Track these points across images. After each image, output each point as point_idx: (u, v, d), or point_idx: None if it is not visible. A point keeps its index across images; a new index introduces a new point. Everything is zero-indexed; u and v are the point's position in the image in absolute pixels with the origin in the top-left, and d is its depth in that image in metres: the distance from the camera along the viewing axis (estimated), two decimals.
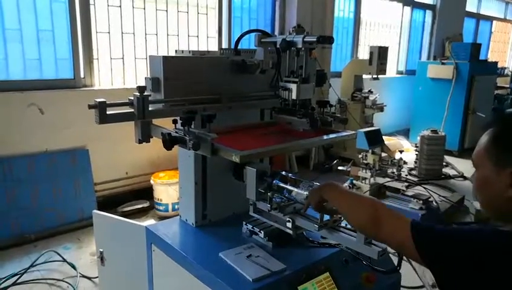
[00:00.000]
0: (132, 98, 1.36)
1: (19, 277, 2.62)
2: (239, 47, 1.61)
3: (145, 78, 1.47)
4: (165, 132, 1.32)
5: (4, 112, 3.12)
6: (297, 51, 1.45)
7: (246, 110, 1.67)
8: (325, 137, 1.52)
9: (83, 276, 2.67)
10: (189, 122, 1.30)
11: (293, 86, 1.44)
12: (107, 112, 1.34)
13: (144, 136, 1.41)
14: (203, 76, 1.52)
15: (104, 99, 1.32)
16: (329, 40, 1.42)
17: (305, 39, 1.39)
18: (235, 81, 1.59)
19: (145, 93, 1.36)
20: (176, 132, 1.32)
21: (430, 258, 0.98)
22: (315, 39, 1.37)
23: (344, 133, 1.57)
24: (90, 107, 1.32)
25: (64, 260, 2.82)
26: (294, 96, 1.45)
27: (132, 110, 1.38)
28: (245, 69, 1.55)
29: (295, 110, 1.50)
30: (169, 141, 1.30)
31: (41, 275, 2.69)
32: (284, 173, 1.41)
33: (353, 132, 1.62)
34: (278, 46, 1.46)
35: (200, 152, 1.31)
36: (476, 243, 0.96)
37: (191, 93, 1.48)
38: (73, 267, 2.75)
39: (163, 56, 1.42)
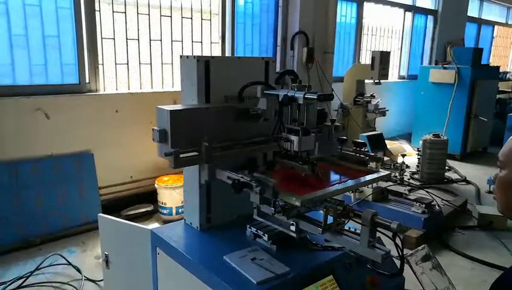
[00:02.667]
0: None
1: (24, 280, 2.64)
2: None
3: (153, 129, 1.50)
4: (235, 178, 1.40)
5: (10, 117, 3.16)
6: (298, 105, 1.49)
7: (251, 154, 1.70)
8: (368, 177, 1.56)
9: (88, 279, 2.69)
10: (253, 169, 1.43)
11: (295, 139, 1.48)
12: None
13: (211, 177, 1.50)
14: (208, 125, 1.54)
15: (178, 149, 1.42)
16: (330, 97, 1.46)
17: (305, 96, 1.43)
18: (240, 128, 1.62)
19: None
20: (242, 177, 1.39)
21: None
22: (315, 97, 1.41)
23: (382, 174, 1.61)
24: (166, 155, 1.40)
25: (69, 263, 2.83)
26: (295, 148, 1.48)
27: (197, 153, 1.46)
28: (249, 117, 1.60)
29: (296, 157, 1.54)
30: (238, 186, 1.37)
31: (47, 278, 2.71)
32: None
33: (387, 172, 1.66)
34: (279, 100, 1.50)
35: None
36: None
37: (196, 143, 1.50)
38: (78, 270, 2.77)
39: (170, 110, 1.44)
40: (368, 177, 1.55)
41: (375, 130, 5.13)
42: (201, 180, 1.50)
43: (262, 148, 1.72)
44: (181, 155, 1.44)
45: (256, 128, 1.66)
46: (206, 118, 1.55)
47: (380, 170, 1.65)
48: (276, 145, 1.65)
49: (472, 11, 8.99)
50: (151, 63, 4.02)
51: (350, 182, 1.51)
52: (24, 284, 2.62)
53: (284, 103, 1.48)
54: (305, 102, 1.43)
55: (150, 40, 3.99)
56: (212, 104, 1.63)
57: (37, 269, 2.75)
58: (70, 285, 2.64)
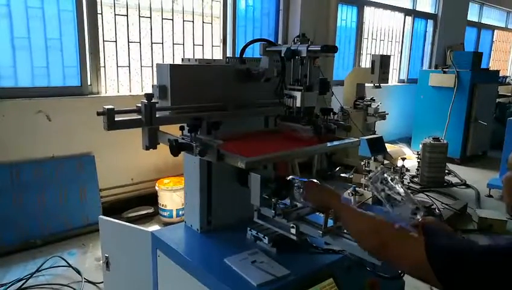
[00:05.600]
0: (140, 105, 1.40)
1: (25, 282, 2.64)
2: (244, 56, 1.66)
3: (153, 85, 1.50)
4: (172, 139, 1.35)
5: (12, 119, 3.17)
6: (301, 60, 1.48)
7: (251, 117, 1.71)
8: (328, 144, 1.54)
9: (88, 281, 2.69)
10: (195, 129, 1.34)
11: (298, 94, 1.46)
12: (115, 119, 1.37)
13: (151, 143, 1.44)
14: (209, 84, 1.55)
15: (113, 106, 1.35)
16: (333, 49, 1.44)
17: (309, 48, 1.42)
18: (240, 89, 1.62)
19: (153, 101, 1.40)
20: (183, 139, 1.35)
21: (454, 284, 0.86)
22: (319, 48, 1.40)
23: (347, 141, 1.59)
24: (98, 114, 1.35)
25: (70, 265, 2.83)
26: (298, 103, 1.47)
27: (140, 117, 1.41)
28: (250, 77, 1.58)
29: (299, 118, 1.53)
30: (176, 148, 1.32)
31: (47, 280, 2.71)
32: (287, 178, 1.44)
33: (356, 139, 1.64)
34: (282, 55, 1.49)
35: (206, 158, 1.34)
36: (502, 263, 0.82)
37: (197, 101, 1.51)
38: (78, 272, 2.77)
39: (170, 64, 1.45)
40: (330, 143, 1.52)
41: (375, 134, 5.13)
42: (142, 146, 1.42)
43: (264, 111, 1.70)
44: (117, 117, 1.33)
45: (258, 91, 1.64)
46: (207, 76, 1.53)
47: (349, 138, 1.60)
48: (277, 109, 1.62)
49: (472, 15, 9.02)
50: (152, 66, 4.04)
51: (306, 148, 1.47)
52: (24, 286, 2.62)
53: (287, 57, 1.45)
54: (309, 55, 1.41)
55: (152, 43, 4.01)
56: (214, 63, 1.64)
57: (37, 270, 2.75)
58: (70, 287, 2.63)
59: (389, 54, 6.80)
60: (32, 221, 3.15)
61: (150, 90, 1.48)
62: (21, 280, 2.66)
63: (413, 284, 1.68)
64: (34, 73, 3.36)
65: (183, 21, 4.22)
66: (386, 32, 6.94)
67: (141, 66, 3.97)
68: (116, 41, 3.77)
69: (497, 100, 7.00)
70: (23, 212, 3.13)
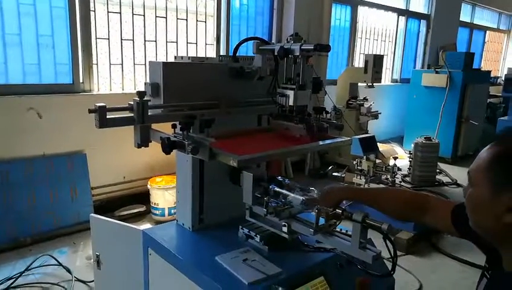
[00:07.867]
0: (132, 102, 1.39)
1: (14, 281, 2.62)
2: (237, 54, 1.66)
3: (145, 83, 1.49)
4: (164, 137, 1.35)
5: (3, 116, 3.13)
6: (294, 59, 1.49)
7: (244, 115, 1.71)
8: (320, 143, 1.55)
9: (78, 280, 2.66)
10: (188, 127, 1.34)
11: (290, 93, 1.47)
12: (107, 117, 1.36)
13: (143, 141, 1.44)
14: (201, 82, 1.55)
15: (104, 104, 1.34)
16: (326, 48, 1.46)
17: (302, 47, 1.42)
18: (233, 87, 1.62)
19: (145, 98, 1.39)
20: (175, 137, 1.35)
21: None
22: (312, 47, 1.40)
23: (339, 139, 1.60)
24: (90, 111, 1.35)
25: (60, 264, 2.81)
26: (291, 102, 1.48)
27: (132, 114, 1.41)
28: (243, 75, 1.58)
29: (292, 116, 1.54)
30: (168, 146, 1.32)
31: (36, 279, 2.68)
32: (280, 178, 1.44)
33: (348, 138, 1.65)
34: (275, 53, 1.49)
35: (199, 156, 1.34)
36: None
37: (189, 99, 1.51)
38: (69, 271, 2.75)
39: (163, 62, 1.45)
40: (322, 142, 1.55)
41: (367, 133, 5.17)
42: (134, 143, 1.42)
43: (257, 109, 1.71)
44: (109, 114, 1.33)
45: (251, 90, 1.65)
46: (200, 74, 1.54)
47: (342, 137, 1.64)
48: (270, 108, 1.62)
49: (464, 16, 9.11)
50: (145, 64, 4.01)
51: (298, 146, 1.49)
52: (14, 284, 2.60)
53: (280, 56, 1.46)
54: (302, 54, 1.42)
55: (145, 40, 3.98)
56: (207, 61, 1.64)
57: (27, 269, 2.72)
58: (60, 286, 2.61)
59: (382, 53, 6.85)
60: (22, 219, 3.12)
61: (142, 88, 1.48)
62: (10, 278, 2.63)
63: (404, 281, 1.70)
64: (25, 70, 3.32)
65: (177, 19, 4.20)
66: (379, 32, 6.97)
67: (134, 64, 3.95)
68: (109, 39, 3.74)
69: (488, 100, 7.09)
70: (13, 211, 3.10)
